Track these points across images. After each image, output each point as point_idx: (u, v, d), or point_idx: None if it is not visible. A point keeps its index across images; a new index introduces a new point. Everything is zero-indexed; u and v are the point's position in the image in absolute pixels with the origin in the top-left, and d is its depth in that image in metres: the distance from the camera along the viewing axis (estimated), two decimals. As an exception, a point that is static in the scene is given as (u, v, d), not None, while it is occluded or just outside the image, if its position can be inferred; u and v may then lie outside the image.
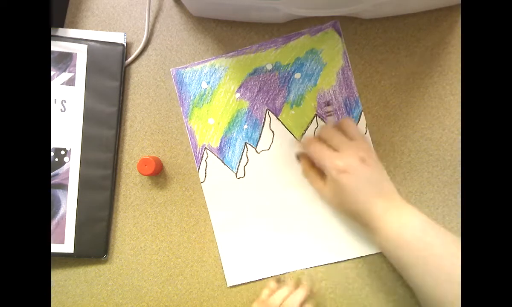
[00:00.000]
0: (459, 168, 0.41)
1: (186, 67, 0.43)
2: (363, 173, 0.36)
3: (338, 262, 0.42)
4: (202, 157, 0.43)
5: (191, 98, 0.43)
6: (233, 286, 0.43)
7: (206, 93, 0.43)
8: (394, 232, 0.34)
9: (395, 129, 0.41)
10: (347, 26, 0.41)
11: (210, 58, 0.43)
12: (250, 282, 0.43)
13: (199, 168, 0.43)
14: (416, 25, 0.41)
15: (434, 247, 0.32)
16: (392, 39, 0.41)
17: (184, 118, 0.43)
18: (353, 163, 0.36)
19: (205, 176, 0.43)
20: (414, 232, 0.33)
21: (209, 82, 0.43)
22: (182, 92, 0.43)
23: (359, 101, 0.42)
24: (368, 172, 0.36)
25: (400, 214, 0.35)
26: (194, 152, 0.43)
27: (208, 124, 0.43)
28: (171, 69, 0.43)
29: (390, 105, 0.42)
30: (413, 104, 0.41)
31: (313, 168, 0.40)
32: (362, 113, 0.42)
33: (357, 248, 0.42)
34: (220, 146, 0.43)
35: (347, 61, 0.42)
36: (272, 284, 0.41)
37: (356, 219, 0.37)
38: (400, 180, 0.41)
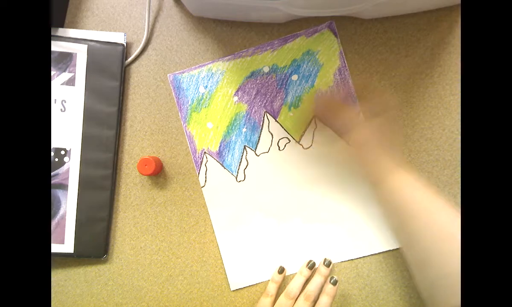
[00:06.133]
0: (459, 168, 0.41)
1: (183, 72, 0.43)
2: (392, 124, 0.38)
3: (339, 262, 0.42)
4: (201, 161, 0.43)
5: (189, 102, 0.43)
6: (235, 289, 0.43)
7: (204, 97, 0.43)
8: (404, 182, 0.34)
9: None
10: (347, 26, 0.42)
11: (207, 63, 0.43)
12: (253, 285, 0.43)
13: (199, 173, 0.43)
14: (416, 25, 0.41)
15: (439, 206, 0.32)
16: (392, 39, 0.41)
17: (182, 123, 0.43)
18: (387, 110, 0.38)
19: (205, 181, 0.43)
20: (422, 187, 0.34)
21: (206, 86, 0.43)
22: (179, 97, 0.43)
23: (357, 101, 0.42)
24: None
25: (409, 170, 0.35)
26: (193, 157, 0.43)
27: (206, 128, 0.43)
28: (168, 75, 0.43)
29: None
30: (413, 104, 0.41)
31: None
32: (361, 113, 0.42)
33: (358, 248, 0.42)
34: (219, 150, 0.43)
35: (344, 62, 0.42)
36: (277, 276, 0.42)
37: (372, 163, 0.36)
38: (400, 180, 0.41)
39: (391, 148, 0.37)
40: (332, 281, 0.39)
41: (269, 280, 0.42)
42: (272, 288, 0.41)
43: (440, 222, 0.31)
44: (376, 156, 0.36)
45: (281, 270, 0.42)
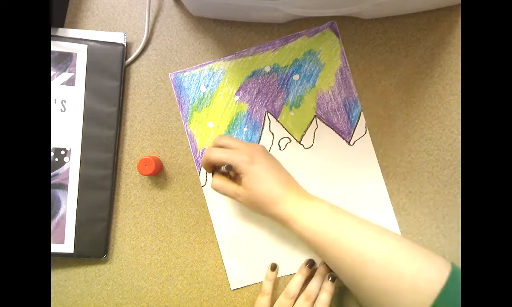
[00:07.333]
0: (459, 168, 0.41)
1: (184, 71, 0.43)
2: (268, 161, 0.38)
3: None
4: None
5: (190, 102, 0.43)
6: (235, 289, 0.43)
7: (205, 96, 0.43)
8: (308, 220, 0.36)
9: (395, 129, 0.41)
10: (347, 26, 0.42)
11: (208, 62, 0.43)
12: (253, 284, 0.43)
13: (199, 172, 0.43)
14: (416, 25, 0.41)
15: (345, 228, 0.35)
16: (392, 39, 0.41)
17: (183, 122, 0.43)
18: (256, 153, 0.38)
19: (206, 180, 0.43)
20: (326, 216, 0.36)
21: (208, 85, 0.43)
22: (181, 96, 0.43)
23: (358, 101, 0.42)
24: (272, 160, 0.39)
25: (310, 202, 0.37)
26: (194, 156, 0.43)
27: (207, 128, 0.43)
28: (169, 74, 0.43)
29: (390, 105, 0.42)
30: (413, 104, 0.41)
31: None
32: (362, 113, 0.42)
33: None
34: (220, 149, 0.43)
35: (345, 62, 0.42)
36: (270, 273, 0.42)
37: (274, 210, 0.37)
38: (400, 180, 0.41)
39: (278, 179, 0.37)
40: (330, 278, 0.39)
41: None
42: (267, 286, 0.41)
43: (351, 255, 0.33)
44: (281, 183, 0.37)
45: (274, 267, 0.42)
